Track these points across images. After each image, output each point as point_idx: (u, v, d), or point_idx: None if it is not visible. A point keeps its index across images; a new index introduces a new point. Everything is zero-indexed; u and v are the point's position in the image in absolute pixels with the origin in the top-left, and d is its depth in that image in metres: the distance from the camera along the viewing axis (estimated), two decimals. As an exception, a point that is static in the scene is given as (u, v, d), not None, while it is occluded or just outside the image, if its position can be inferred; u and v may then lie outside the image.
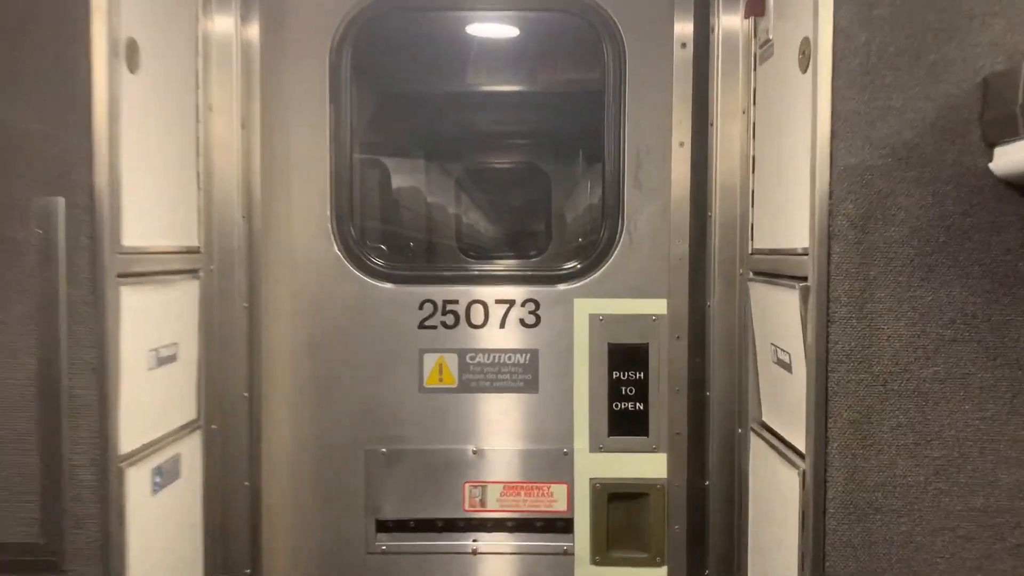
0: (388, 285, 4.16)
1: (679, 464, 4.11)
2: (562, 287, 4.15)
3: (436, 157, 4.75)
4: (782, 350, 3.30)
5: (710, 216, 4.00)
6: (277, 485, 4.17)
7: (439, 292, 4.15)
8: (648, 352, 4.11)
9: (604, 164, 4.12)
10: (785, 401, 3.25)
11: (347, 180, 4.15)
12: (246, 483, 4.08)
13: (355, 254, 4.15)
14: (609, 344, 4.12)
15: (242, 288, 4.04)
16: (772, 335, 3.46)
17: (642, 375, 4.11)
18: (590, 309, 4.12)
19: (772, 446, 3.32)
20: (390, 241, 4.50)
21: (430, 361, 4.16)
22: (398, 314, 4.16)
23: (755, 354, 3.71)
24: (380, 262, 4.18)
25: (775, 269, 3.42)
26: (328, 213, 4.14)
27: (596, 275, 4.13)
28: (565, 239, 4.63)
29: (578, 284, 4.14)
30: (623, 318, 4.11)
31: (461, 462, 4.17)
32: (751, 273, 3.79)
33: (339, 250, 4.15)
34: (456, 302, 4.15)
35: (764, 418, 3.63)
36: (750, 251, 3.79)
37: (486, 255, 4.59)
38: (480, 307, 4.15)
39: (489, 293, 4.15)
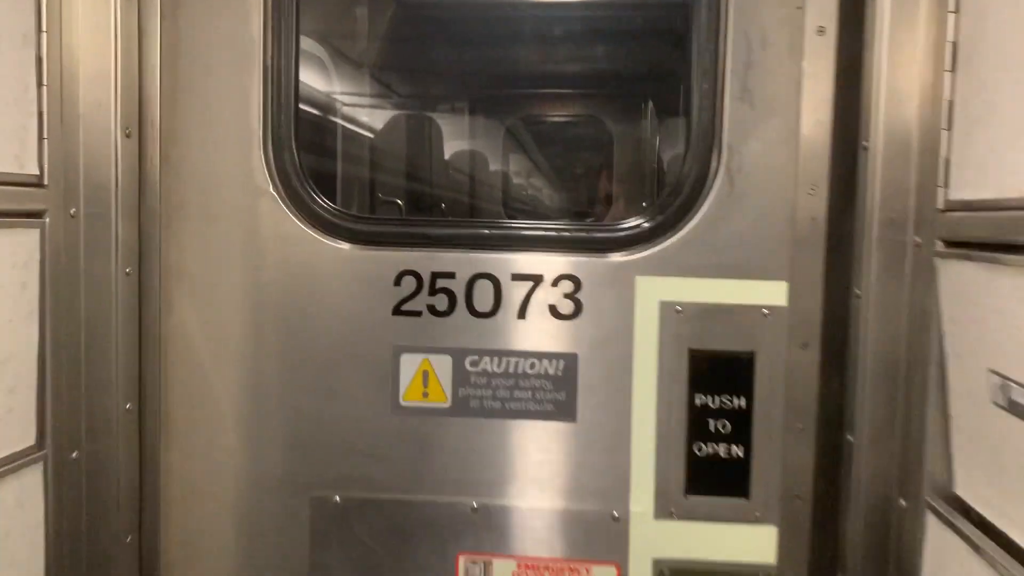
0: (347, 246, 2.70)
1: (797, 546, 2.59)
2: (617, 257, 2.63)
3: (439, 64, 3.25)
4: (1014, 383, 1.76)
5: (865, 148, 2.43)
6: (177, 544, 2.77)
7: (425, 260, 2.68)
8: (754, 366, 2.57)
9: (693, 62, 2.57)
10: (1012, 469, 1.72)
11: (290, 82, 2.68)
12: (128, 539, 2.69)
13: (299, 197, 2.69)
14: (691, 351, 2.59)
15: (124, 245, 2.62)
16: (991, 354, 1.91)
17: (743, 402, 2.58)
18: (661, 293, 2.60)
19: (969, 539, 2.04)
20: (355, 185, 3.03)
21: (410, 365, 2.70)
22: (363, 292, 2.70)
23: (946, 382, 2.15)
24: (336, 211, 2.71)
25: (999, 236, 1.87)
26: (259, 132, 2.68)
27: (672, 240, 2.60)
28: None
29: (643, 253, 2.61)
30: (714, 310, 2.58)
31: (455, 522, 2.71)
32: (941, 244, 2.22)
33: (276, 190, 2.69)
34: (451, 275, 2.66)
35: (957, 489, 2.12)
36: (940, 205, 2.21)
37: (508, 212, 3.11)
38: (488, 285, 2.65)
39: (502, 263, 2.66)
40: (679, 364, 2.59)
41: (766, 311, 2.55)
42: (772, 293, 2.54)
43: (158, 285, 2.71)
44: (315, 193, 2.70)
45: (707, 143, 2.55)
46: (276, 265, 2.71)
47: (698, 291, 2.57)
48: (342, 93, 4.59)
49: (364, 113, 5.06)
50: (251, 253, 2.72)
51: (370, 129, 5.20)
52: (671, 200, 2.60)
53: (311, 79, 4.25)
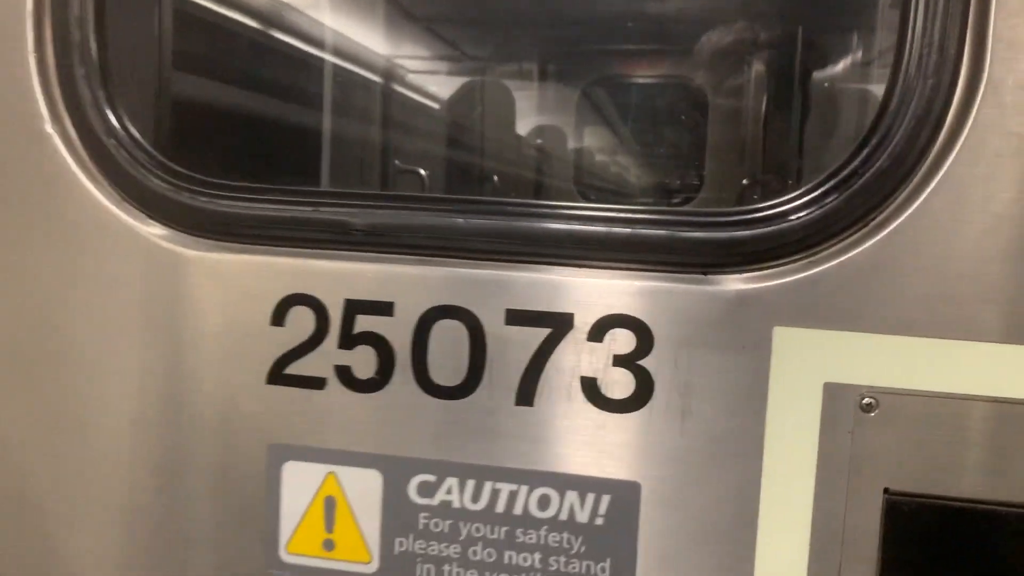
0: (183, 240, 1.35)
1: None
2: (733, 282, 1.22)
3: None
4: None
5: None
6: None
7: (334, 275, 1.31)
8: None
9: None
10: None
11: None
12: None
13: (99, 145, 1.36)
14: (889, 498, 1.17)
15: None
16: None
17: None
18: (830, 366, 1.18)
19: None
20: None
21: (301, 485, 1.34)
22: (208, 335, 1.34)
23: None
24: (154, 159, 1.37)
25: None
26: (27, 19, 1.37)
27: (863, 248, 1.17)
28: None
29: (793, 276, 1.19)
30: (952, 412, 1.15)
31: None
32: None
33: (57, 125, 1.37)
34: (385, 309, 1.29)
35: None
36: None
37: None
38: (458, 331, 1.28)
39: (489, 288, 1.27)
40: (863, 523, 1.18)
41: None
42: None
43: None
44: (123, 124, 1.36)
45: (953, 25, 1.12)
46: (64, 277, 1.39)
47: (916, 365, 1.15)
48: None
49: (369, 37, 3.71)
50: (24, 257, 1.40)
51: (380, 70, 3.84)
52: (860, 166, 1.17)
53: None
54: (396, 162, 3.94)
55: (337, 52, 3.40)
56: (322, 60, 3.28)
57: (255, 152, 2.71)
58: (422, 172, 3.99)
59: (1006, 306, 1.13)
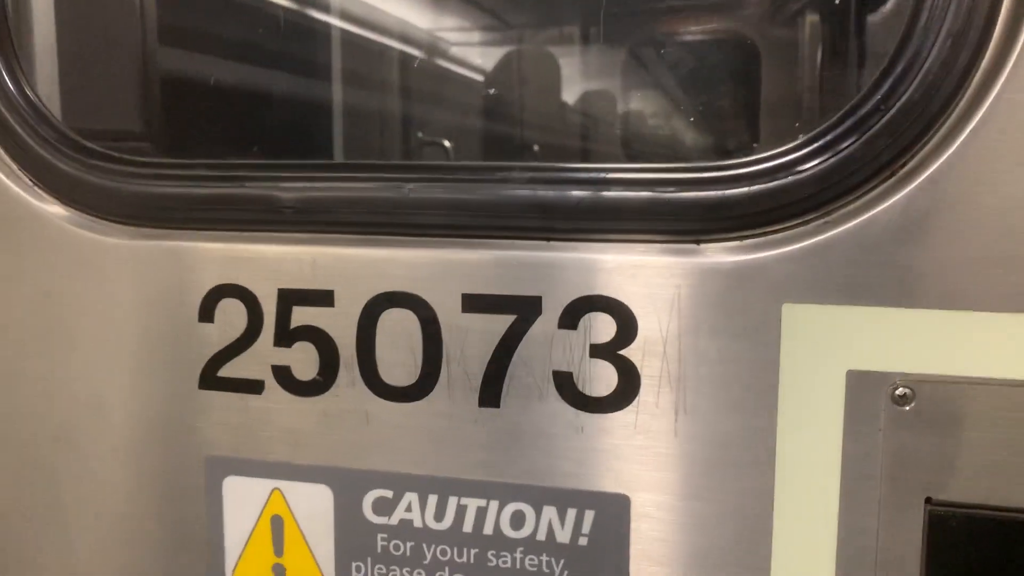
0: (106, 238, 1.18)
1: None
2: (732, 252, 1.00)
3: None
4: None
5: None
6: None
7: (265, 261, 1.12)
8: None
9: None
10: None
11: None
12: None
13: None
14: (932, 509, 0.95)
15: None
16: None
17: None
18: (855, 351, 0.96)
19: None
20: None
21: (244, 502, 1.16)
22: (127, 332, 1.17)
23: None
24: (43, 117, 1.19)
25: None
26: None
27: (889, 202, 0.94)
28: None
29: (806, 242, 0.97)
30: (1004, 402, 0.92)
31: None
32: None
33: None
34: (326, 298, 1.10)
35: None
36: None
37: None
38: (410, 321, 1.08)
39: (446, 269, 1.07)
40: (901, 540, 0.96)
41: None
42: None
43: None
44: (25, 95, 1.19)
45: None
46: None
47: (962, 346, 0.93)
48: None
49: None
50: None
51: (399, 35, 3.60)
52: (883, 100, 0.94)
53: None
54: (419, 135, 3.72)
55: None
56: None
57: (257, 129, 2.53)
58: (446, 144, 3.77)
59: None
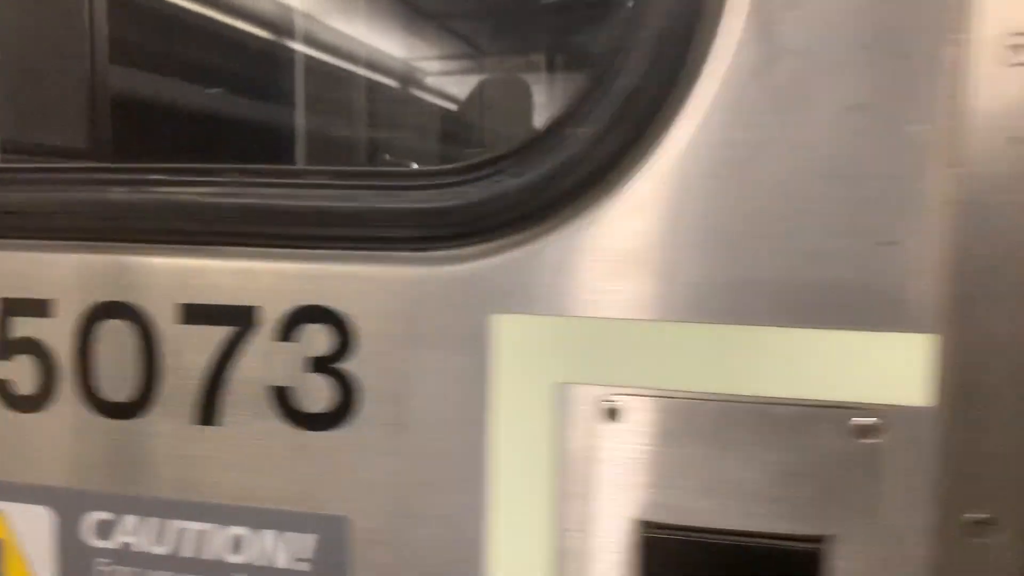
0: None
1: None
2: (445, 259, 0.96)
3: None
4: None
5: None
6: None
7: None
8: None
9: None
10: None
11: None
12: None
13: None
14: (646, 532, 0.90)
15: None
16: None
17: None
18: (563, 363, 0.92)
19: None
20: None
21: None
22: None
23: None
24: None
25: None
26: None
27: (583, 203, 0.91)
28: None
29: (515, 249, 0.94)
30: (688, 406, 0.89)
31: None
32: None
33: None
34: (44, 308, 1.05)
35: None
36: None
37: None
38: (124, 331, 1.03)
39: (157, 275, 1.02)
40: (615, 563, 0.92)
41: (866, 425, 0.85)
42: (896, 373, 0.84)
43: None
44: None
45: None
46: None
47: (669, 358, 0.89)
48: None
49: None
50: None
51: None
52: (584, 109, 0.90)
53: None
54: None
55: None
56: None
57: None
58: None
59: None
